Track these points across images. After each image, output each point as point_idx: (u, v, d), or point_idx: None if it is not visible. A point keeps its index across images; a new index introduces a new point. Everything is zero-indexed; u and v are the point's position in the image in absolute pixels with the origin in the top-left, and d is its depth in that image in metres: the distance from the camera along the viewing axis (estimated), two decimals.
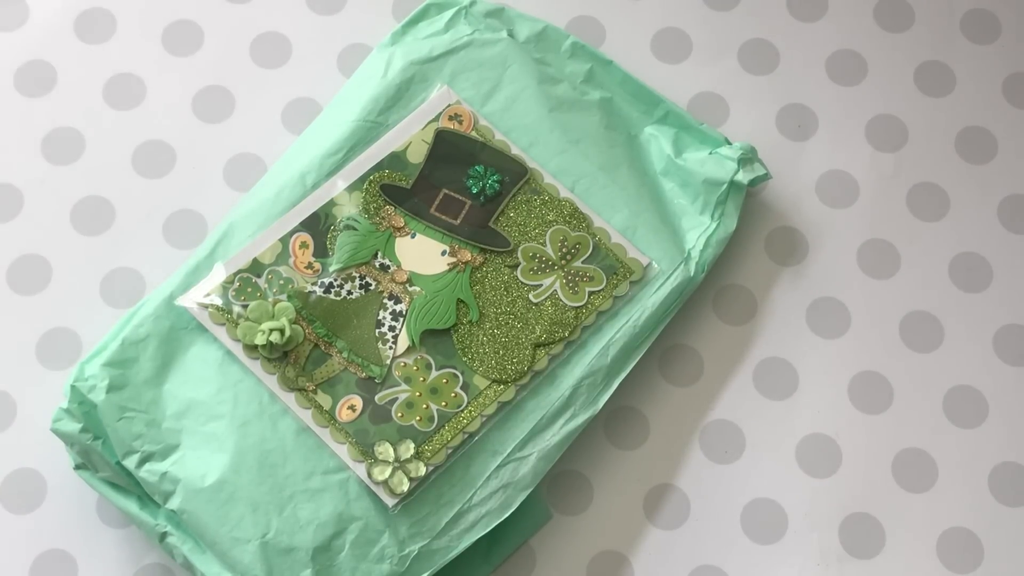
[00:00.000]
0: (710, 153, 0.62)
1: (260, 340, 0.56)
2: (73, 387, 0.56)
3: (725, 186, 0.60)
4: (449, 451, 0.56)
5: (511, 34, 0.64)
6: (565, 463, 0.59)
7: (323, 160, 0.60)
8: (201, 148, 0.65)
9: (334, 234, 0.59)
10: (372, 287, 0.58)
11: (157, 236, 0.63)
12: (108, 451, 0.56)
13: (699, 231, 0.61)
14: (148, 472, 0.55)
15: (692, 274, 0.60)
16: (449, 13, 0.64)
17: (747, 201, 0.63)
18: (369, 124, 0.61)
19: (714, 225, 0.61)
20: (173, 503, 0.55)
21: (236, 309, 0.57)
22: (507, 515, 0.56)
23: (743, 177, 0.61)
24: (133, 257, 0.63)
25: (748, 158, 0.61)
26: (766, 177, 0.61)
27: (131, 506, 0.56)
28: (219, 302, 0.57)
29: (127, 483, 0.56)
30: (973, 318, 0.63)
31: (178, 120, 0.66)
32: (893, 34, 0.68)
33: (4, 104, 0.66)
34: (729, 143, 0.62)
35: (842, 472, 0.60)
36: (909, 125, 0.66)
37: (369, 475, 0.55)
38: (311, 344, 0.57)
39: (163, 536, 0.56)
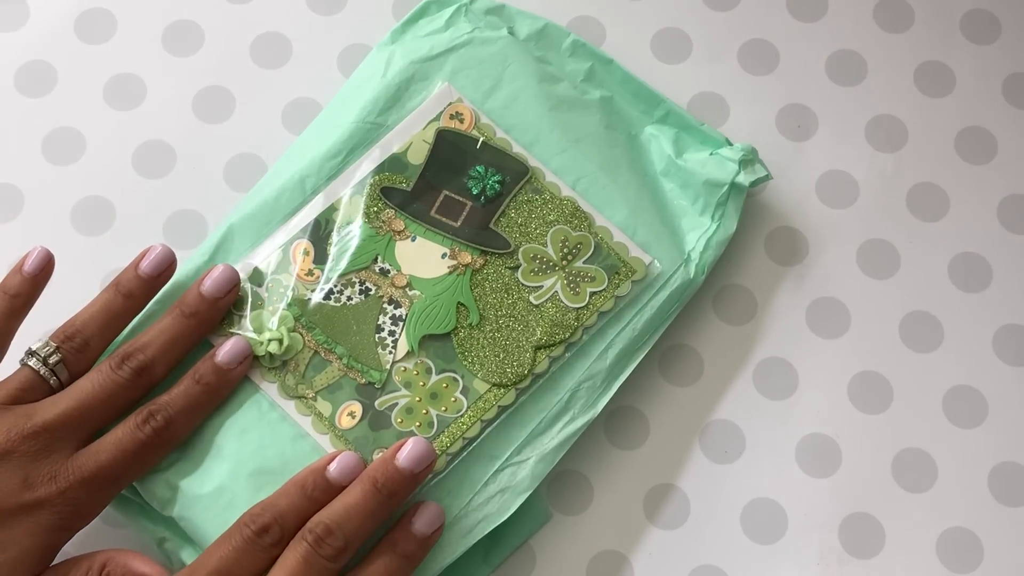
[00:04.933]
0: (711, 154, 0.62)
1: (259, 351, 0.56)
2: None
3: (726, 187, 0.60)
4: (448, 457, 0.55)
5: (511, 32, 0.64)
6: (565, 463, 0.59)
7: (323, 163, 0.60)
8: (201, 148, 0.65)
9: (334, 239, 0.58)
10: (372, 292, 0.58)
11: (157, 236, 0.63)
12: None
13: (699, 232, 0.61)
14: (147, 479, 0.55)
15: (692, 276, 0.59)
16: (449, 11, 0.64)
17: (747, 201, 0.63)
18: (368, 125, 0.60)
19: (714, 226, 0.61)
20: (171, 510, 0.54)
21: (236, 319, 0.57)
22: (505, 518, 0.55)
23: (744, 179, 0.60)
24: (133, 257, 0.63)
25: (749, 159, 0.61)
26: (767, 179, 0.61)
27: (130, 511, 0.56)
28: None
29: (127, 489, 0.56)
30: (973, 318, 0.63)
31: (178, 120, 0.66)
32: (893, 34, 0.68)
33: (4, 104, 0.66)
34: (730, 144, 0.62)
35: (842, 472, 0.60)
36: (909, 125, 0.66)
37: None
38: (311, 351, 0.57)
39: (161, 541, 0.55)
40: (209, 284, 0.56)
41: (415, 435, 0.55)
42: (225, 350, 0.55)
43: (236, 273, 0.56)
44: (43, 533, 0.51)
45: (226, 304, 0.56)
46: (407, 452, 0.52)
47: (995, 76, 0.67)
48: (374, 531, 0.52)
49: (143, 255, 0.56)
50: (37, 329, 0.62)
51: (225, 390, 0.55)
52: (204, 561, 0.50)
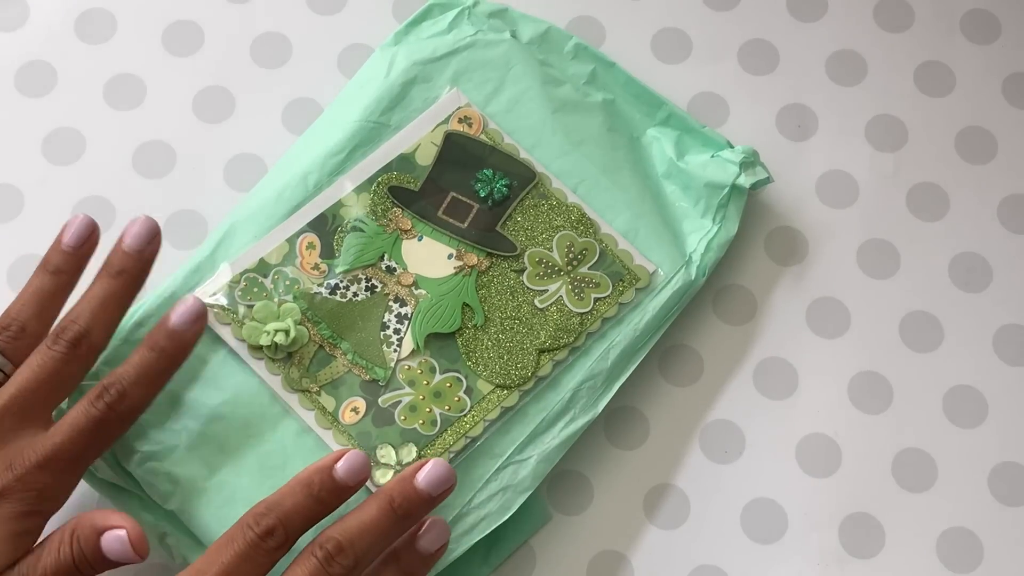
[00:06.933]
0: (712, 156, 0.62)
1: (265, 341, 0.56)
2: None
3: (727, 190, 0.60)
4: (451, 455, 0.56)
5: (514, 35, 0.64)
6: (565, 463, 0.59)
7: (325, 160, 0.60)
8: (201, 148, 0.65)
9: (341, 235, 0.58)
10: (378, 289, 0.58)
11: None
12: (108, 451, 0.56)
13: (700, 234, 0.61)
14: (148, 472, 0.55)
15: (693, 278, 0.60)
16: (452, 13, 0.64)
17: (747, 201, 0.63)
18: (371, 125, 0.60)
19: (715, 228, 0.61)
20: (172, 504, 0.54)
21: (241, 309, 0.57)
22: (506, 517, 0.56)
23: (745, 181, 0.61)
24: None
25: (750, 162, 0.61)
26: (768, 181, 0.61)
27: (130, 505, 0.56)
28: (224, 302, 0.57)
29: (127, 483, 0.56)
30: (973, 318, 0.63)
31: (178, 120, 0.66)
32: (893, 34, 0.68)
33: (4, 104, 0.65)
34: (731, 146, 0.62)
35: (842, 472, 0.60)
36: (909, 125, 0.66)
37: (371, 478, 0.54)
38: (316, 345, 0.57)
39: (162, 537, 0.55)
40: (129, 239, 0.54)
41: (418, 432, 0.55)
42: (178, 312, 0.53)
43: (155, 223, 0.54)
44: (9, 521, 0.49)
45: (151, 255, 0.54)
46: (427, 473, 0.51)
47: (995, 76, 0.67)
48: (384, 550, 0.51)
49: (64, 228, 0.54)
50: None
51: (181, 355, 0.53)
52: (206, 567, 0.49)
